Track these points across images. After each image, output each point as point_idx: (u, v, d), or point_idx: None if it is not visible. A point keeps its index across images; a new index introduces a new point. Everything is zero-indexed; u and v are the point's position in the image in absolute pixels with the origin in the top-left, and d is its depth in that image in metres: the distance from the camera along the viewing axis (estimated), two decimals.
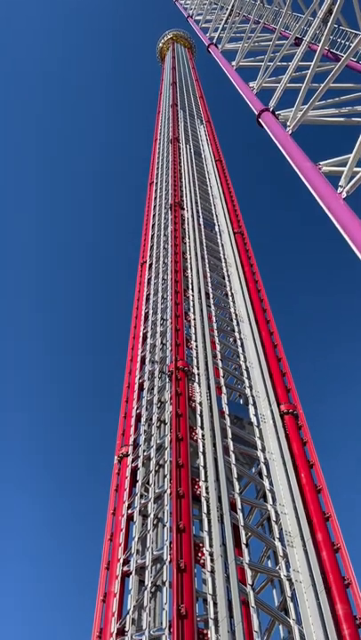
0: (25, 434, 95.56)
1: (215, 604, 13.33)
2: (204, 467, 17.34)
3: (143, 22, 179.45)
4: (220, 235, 34.01)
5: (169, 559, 14.46)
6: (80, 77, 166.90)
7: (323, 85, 19.22)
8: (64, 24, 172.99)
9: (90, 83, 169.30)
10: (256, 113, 22.57)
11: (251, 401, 21.02)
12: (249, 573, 14.58)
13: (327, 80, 19.20)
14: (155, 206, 40.07)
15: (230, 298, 27.89)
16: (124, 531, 17.61)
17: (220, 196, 38.83)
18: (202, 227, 33.88)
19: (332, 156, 16.80)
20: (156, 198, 41.11)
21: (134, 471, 19.58)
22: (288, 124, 19.95)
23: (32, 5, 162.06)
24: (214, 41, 38.03)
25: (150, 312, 28.15)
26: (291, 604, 14.13)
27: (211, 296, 27.32)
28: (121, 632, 14.90)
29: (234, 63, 30.63)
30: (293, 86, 22.04)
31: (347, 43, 22.32)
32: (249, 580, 14.36)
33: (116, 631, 14.92)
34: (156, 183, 43.62)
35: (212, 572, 14.12)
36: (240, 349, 24.07)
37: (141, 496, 18.37)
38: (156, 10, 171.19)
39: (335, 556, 14.66)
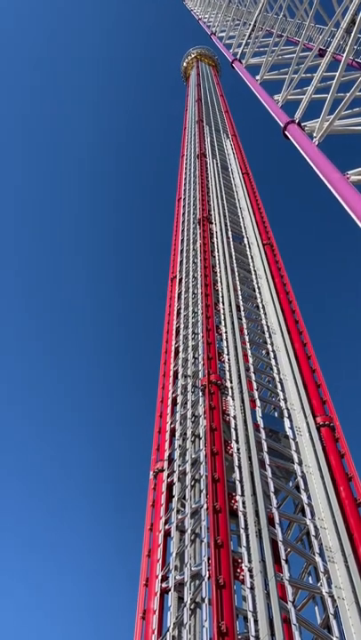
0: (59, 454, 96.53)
1: (256, 622, 13.12)
2: (241, 481, 17.20)
3: (167, 41, 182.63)
4: (250, 247, 34.01)
5: (208, 575, 14.35)
6: (106, 94, 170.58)
7: (349, 95, 19.17)
8: (88, 43, 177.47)
9: (115, 100, 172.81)
10: (282, 125, 22.64)
11: (286, 413, 20.77)
12: (290, 590, 14.29)
13: (353, 89, 19.14)
14: (183, 221, 40.41)
15: (261, 310, 27.77)
16: (161, 547, 17.54)
17: (248, 209, 38.86)
18: (231, 240, 33.97)
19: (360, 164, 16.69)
20: (184, 214, 41.47)
21: (170, 486, 19.53)
22: (314, 134, 19.93)
23: (55, 23, 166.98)
24: (238, 56, 38.39)
25: (182, 326, 28.26)
26: (334, 622, 13.77)
27: (242, 308, 27.26)
28: None
29: (258, 77, 30.84)
30: (319, 97, 22.04)
31: None
32: (290, 597, 14.07)
33: None
34: (184, 198, 44.02)
35: (252, 588, 13.93)
36: (273, 361, 23.87)
37: (178, 511, 18.28)
38: (180, 28, 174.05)
39: None
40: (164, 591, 16.18)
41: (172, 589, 15.87)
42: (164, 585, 16.30)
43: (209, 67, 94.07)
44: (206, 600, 14.13)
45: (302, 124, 21.45)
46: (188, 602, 14.81)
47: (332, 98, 19.80)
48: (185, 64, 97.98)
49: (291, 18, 32.86)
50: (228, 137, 56.04)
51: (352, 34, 20.35)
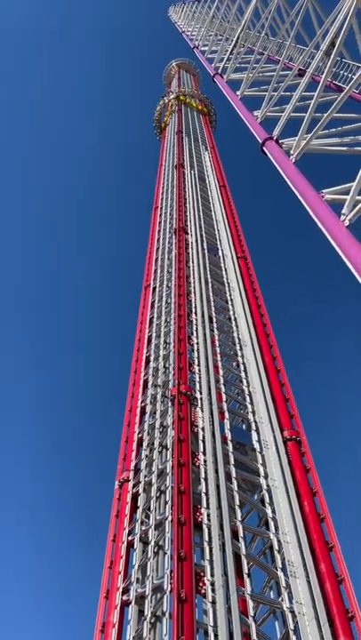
0: (24, 455, 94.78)
1: (216, 636, 13.04)
2: (206, 493, 17.15)
3: (150, 54, 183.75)
4: (224, 259, 34.26)
5: (169, 589, 14.20)
6: (90, 106, 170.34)
7: (326, 115, 19.52)
8: (69, 61, 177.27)
9: (97, 111, 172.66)
10: (260, 141, 22.87)
11: (254, 426, 20.90)
12: (251, 604, 14.30)
13: (330, 110, 19.49)
14: (159, 230, 40.46)
15: (233, 322, 27.94)
16: (124, 558, 17.33)
17: (223, 221, 39.22)
18: (205, 251, 34.15)
19: (335, 184, 17.00)
20: (160, 223, 41.52)
21: (135, 497, 19.36)
22: (291, 152, 20.20)
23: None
24: (219, 71, 38.79)
25: (153, 335, 28.18)
26: (293, 637, 13.81)
27: (214, 320, 27.39)
28: None
29: (239, 93, 31.17)
30: (297, 116, 22.39)
31: (349, 75, 22.80)
32: (251, 612, 14.08)
33: None
34: (161, 208, 44.11)
35: (214, 602, 13.85)
36: (243, 374, 24.01)
37: (142, 522, 18.12)
38: (162, 42, 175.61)
39: (339, 588, 14.39)
40: (125, 604, 15.97)
41: (133, 602, 15.68)
42: (124, 597, 16.09)
43: (198, 114, 66.83)
44: (167, 614, 13.99)
45: (280, 142, 21.73)
46: (149, 615, 14.65)
47: (309, 117, 20.13)
48: (158, 107, 70.88)
49: (272, 37, 33.46)
50: (207, 149, 56.53)
51: (331, 56, 20.77)
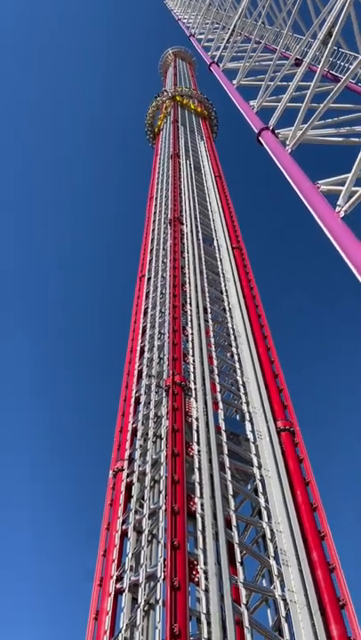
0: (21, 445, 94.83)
1: (209, 624, 13.17)
2: (200, 483, 17.24)
3: (147, 43, 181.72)
4: (219, 250, 34.20)
5: (163, 577, 14.32)
6: (88, 101, 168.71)
7: (322, 105, 19.43)
8: (66, 54, 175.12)
9: (96, 106, 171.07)
10: (256, 131, 22.76)
11: (247, 417, 20.98)
12: (243, 592, 14.44)
13: (327, 100, 19.40)
14: (154, 220, 40.29)
15: (228, 313, 27.95)
16: (117, 547, 17.44)
17: (219, 212, 39.11)
18: (201, 241, 34.07)
19: (331, 174, 16.95)
20: (155, 213, 41.35)
21: (129, 486, 19.44)
22: (287, 142, 20.12)
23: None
24: (216, 60, 38.46)
25: (148, 326, 28.17)
26: (285, 625, 13.97)
27: (209, 311, 27.38)
28: None
29: (235, 82, 30.94)
30: (293, 106, 22.26)
31: (346, 64, 22.66)
32: (243, 600, 14.21)
33: None
34: (156, 198, 43.90)
35: (207, 590, 13.98)
36: (237, 365, 24.07)
37: (136, 512, 18.22)
38: (159, 30, 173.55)
39: (330, 576, 14.57)
40: (119, 592, 16.09)
41: (127, 590, 15.79)
42: (118, 585, 16.22)
43: (197, 117, 61.90)
44: (160, 602, 14.10)
45: (276, 132, 21.62)
46: (142, 603, 14.75)
47: (306, 107, 20.01)
48: (151, 109, 66.17)
49: (269, 25, 33.17)
50: (203, 139, 56.19)
51: (328, 46, 20.64)
